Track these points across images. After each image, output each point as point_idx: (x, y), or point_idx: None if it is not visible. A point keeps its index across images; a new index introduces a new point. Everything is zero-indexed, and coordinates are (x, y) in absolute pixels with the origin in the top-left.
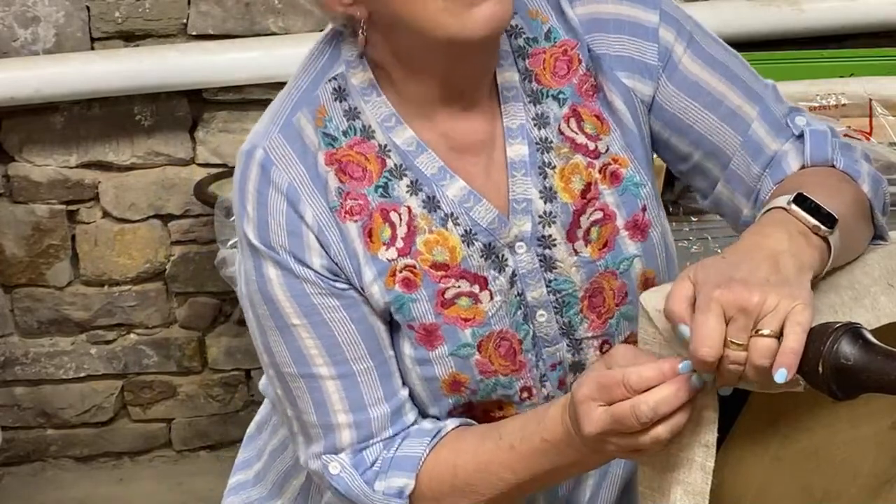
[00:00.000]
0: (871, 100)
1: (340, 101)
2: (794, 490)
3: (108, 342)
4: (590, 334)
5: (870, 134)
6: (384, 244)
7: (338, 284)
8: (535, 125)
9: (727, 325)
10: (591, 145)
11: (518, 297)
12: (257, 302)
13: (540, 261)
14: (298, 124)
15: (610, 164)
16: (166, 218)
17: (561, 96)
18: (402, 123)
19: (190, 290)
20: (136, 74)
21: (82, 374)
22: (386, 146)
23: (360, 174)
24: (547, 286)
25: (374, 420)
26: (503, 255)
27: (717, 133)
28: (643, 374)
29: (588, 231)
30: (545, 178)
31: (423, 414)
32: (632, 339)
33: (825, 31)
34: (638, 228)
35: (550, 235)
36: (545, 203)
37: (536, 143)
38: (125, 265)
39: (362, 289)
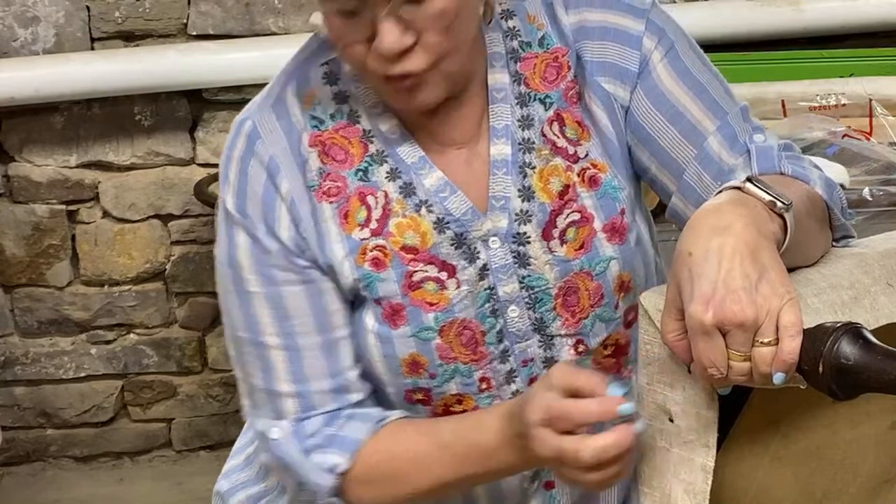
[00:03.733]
0: (871, 100)
1: (331, 85)
2: (794, 490)
3: (108, 342)
4: (563, 332)
5: (870, 134)
6: (359, 225)
7: (300, 261)
8: (519, 126)
9: (724, 337)
10: (571, 149)
11: (488, 291)
12: (224, 266)
13: (514, 257)
14: (288, 102)
15: (588, 168)
16: (166, 218)
17: (547, 100)
18: (389, 111)
19: (190, 290)
20: (136, 74)
21: (82, 374)
22: (370, 131)
23: (343, 157)
24: (520, 282)
25: (315, 394)
26: (475, 248)
27: (674, 147)
28: (585, 409)
29: (564, 231)
30: (525, 177)
31: (382, 393)
32: (609, 342)
33: (825, 31)
34: (616, 231)
35: (525, 233)
36: (523, 202)
37: (519, 144)
38: (125, 265)
39: (329, 266)
